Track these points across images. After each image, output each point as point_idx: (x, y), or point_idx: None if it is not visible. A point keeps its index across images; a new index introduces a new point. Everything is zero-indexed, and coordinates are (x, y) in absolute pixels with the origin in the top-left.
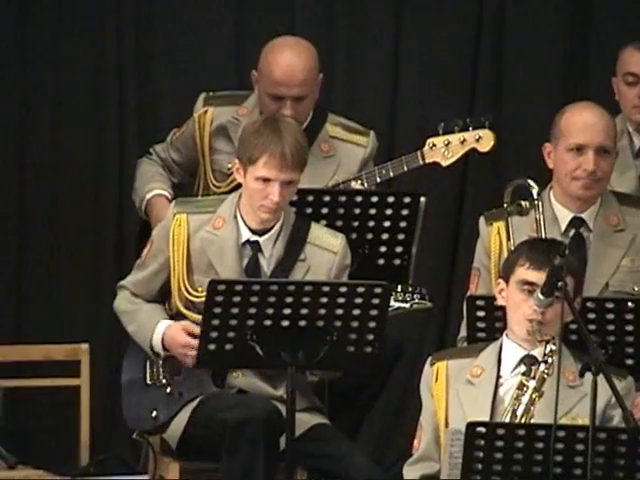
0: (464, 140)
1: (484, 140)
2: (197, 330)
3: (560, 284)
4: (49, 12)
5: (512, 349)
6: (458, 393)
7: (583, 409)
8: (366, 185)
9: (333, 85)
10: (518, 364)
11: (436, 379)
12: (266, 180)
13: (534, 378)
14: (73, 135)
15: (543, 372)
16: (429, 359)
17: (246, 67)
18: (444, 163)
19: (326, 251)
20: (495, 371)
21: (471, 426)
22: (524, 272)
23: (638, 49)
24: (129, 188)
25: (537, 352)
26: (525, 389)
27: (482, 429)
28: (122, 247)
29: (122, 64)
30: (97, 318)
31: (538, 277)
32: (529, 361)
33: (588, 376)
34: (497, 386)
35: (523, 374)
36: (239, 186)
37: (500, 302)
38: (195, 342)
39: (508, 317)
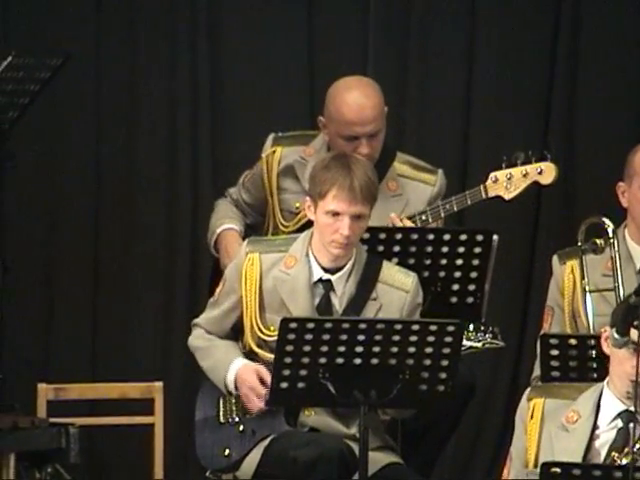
0: (526, 173)
1: (546, 173)
2: (268, 378)
3: (637, 323)
4: (125, 50)
5: (611, 400)
6: (551, 436)
7: None
8: (431, 220)
9: (405, 124)
10: (615, 418)
11: (531, 416)
12: (336, 214)
13: (626, 455)
14: (148, 172)
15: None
16: (527, 392)
17: (317, 107)
18: (507, 197)
19: (398, 290)
20: (592, 420)
21: (545, 466)
22: (633, 331)
23: None
24: (201, 228)
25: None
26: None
27: (557, 469)
28: (195, 284)
29: (195, 106)
30: (171, 356)
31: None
32: (627, 417)
33: None
34: (592, 437)
35: (614, 450)
36: (307, 225)
37: (605, 350)
38: (261, 389)
39: (610, 368)
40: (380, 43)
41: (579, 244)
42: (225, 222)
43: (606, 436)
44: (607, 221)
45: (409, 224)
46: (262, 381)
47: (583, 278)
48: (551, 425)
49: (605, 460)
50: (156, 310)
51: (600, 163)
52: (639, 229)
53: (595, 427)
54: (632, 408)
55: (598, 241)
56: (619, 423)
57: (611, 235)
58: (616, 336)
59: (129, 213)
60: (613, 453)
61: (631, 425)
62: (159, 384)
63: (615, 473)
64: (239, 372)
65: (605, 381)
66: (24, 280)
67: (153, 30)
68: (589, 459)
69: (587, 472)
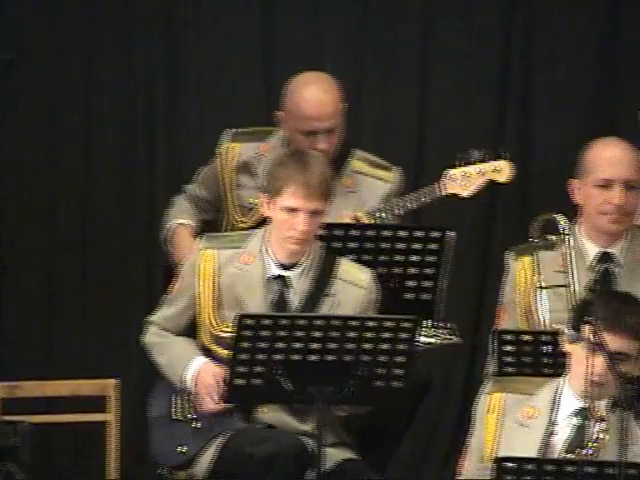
0: (482, 171)
1: (502, 171)
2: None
3: (589, 318)
4: (81, 46)
5: (569, 397)
6: (509, 432)
7: None
8: (386, 217)
9: (361, 121)
10: (572, 415)
11: (489, 410)
12: (293, 210)
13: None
14: (103, 170)
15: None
16: (486, 386)
17: (274, 102)
18: (463, 194)
19: (354, 286)
20: (549, 416)
21: (499, 461)
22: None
23: None
24: (156, 225)
25: (598, 404)
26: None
27: (510, 464)
28: (150, 283)
29: (151, 103)
30: (126, 354)
31: (609, 340)
32: (584, 415)
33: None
34: (549, 433)
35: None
36: (263, 221)
37: (566, 348)
38: (218, 392)
39: (572, 366)
40: (336, 41)
41: (533, 241)
42: (178, 218)
43: (563, 432)
44: (560, 218)
45: (366, 220)
46: (219, 384)
47: (536, 274)
48: (509, 420)
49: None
50: (110, 307)
51: (554, 160)
52: (592, 226)
53: (552, 423)
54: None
55: (551, 237)
56: (575, 420)
57: (564, 232)
58: (570, 332)
59: (84, 211)
60: (569, 455)
61: (587, 422)
62: (114, 381)
63: (566, 468)
64: (200, 370)
65: (564, 377)
66: None
67: (109, 28)
68: (546, 455)
69: (540, 467)
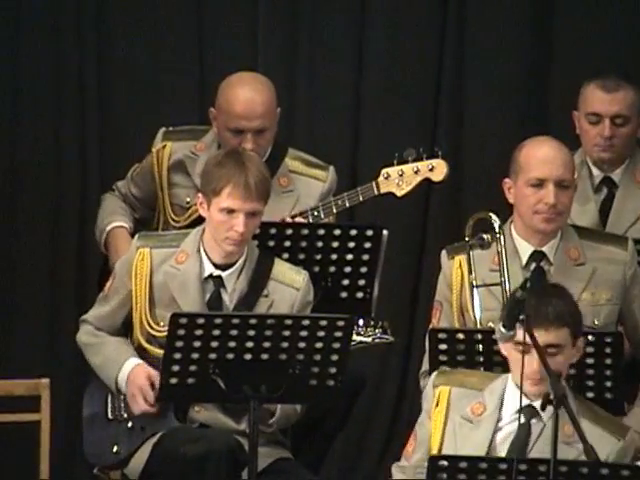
0: (417, 170)
1: (437, 170)
2: (157, 382)
3: (522, 317)
4: (9, 43)
5: (514, 395)
6: (455, 427)
7: None
8: (323, 216)
9: (295, 120)
10: (517, 412)
11: (437, 404)
12: (230, 211)
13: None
14: (32, 166)
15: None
16: (432, 379)
17: (208, 101)
18: (399, 193)
19: (289, 287)
20: (496, 414)
21: (433, 460)
22: (518, 332)
23: (599, 87)
24: (89, 223)
25: (538, 403)
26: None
27: (444, 462)
28: (83, 281)
29: (83, 98)
30: (57, 353)
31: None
32: (529, 413)
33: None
34: (496, 430)
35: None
36: (198, 220)
37: (503, 352)
38: (150, 393)
39: (510, 365)
40: (268, 41)
41: (467, 239)
42: (114, 219)
43: (508, 429)
44: (494, 216)
45: (299, 220)
46: (152, 385)
47: (470, 273)
48: (456, 415)
49: (507, 455)
50: (43, 306)
51: (487, 159)
52: (525, 225)
53: (499, 419)
54: (535, 404)
55: (485, 236)
56: (521, 418)
57: (498, 230)
58: (502, 330)
59: (14, 208)
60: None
61: (533, 421)
62: (45, 381)
63: (500, 465)
64: (132, 372)
65: (510, 375)
66: None
67: (39, 24)
68: (492, 452)
69: (473, 464)
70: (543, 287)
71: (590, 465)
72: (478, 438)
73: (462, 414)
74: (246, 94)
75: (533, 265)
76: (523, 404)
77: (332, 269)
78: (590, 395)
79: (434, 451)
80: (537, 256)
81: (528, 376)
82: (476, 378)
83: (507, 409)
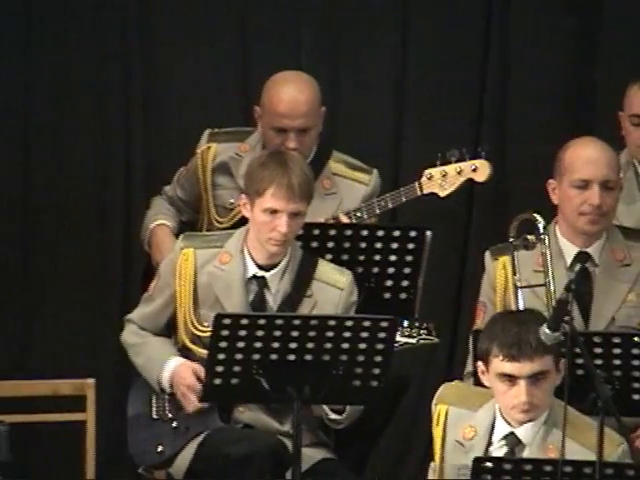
0: (461, 171)
1: (480, 170)
2: (203, 375)
3: (567, 318)
4: (55, 46)
5: (500, 421)
6: (450, 449)
7: None
8: (366, 217)
9: (338, 122)
10: (503, 438)
11: (437, 423)
12: (274, 212)
13: None
14: (79, 169)
15: None
16: (437, 395)
17: (252, 103)
18: (442, 194)
19: (333, 287)
20: (486, 438)
21: (477, 461)
22: (499, 364)
23: None
24: (134, 225)
25: (521, 431)
26: None
27: (489, 464)
28: (128, 281)
29: (128, 101)
30: (103, 353)
31: (514, 369)
32: (512, 441)
33: (568, 453)
34: (486, 454)
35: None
36: (241, 221)
37: (485, 383)
38: (199, 387)
39: (495, 399)
40: (313, 42)
41: (511, 240)
42: (158, 218)
43: (497, 455)
44: (538, 217)
45: (345, 220)
46: (199, 379)
47: (515, 274)
48: (451, 436)
49: None
50: (88, 306)
51: (532, 160)
52: (570, 226)
53: (489, 444)
54: (517, 431)
55: (529, 237)
56: (505, 446)
57: (542, 231)
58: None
59: (61, 210)
60: None
61: (516, 450)
62: (91, 381)
63: (544, 467)
64: (175, 371)
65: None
66: None
67: (84, 26)
68: None
69: (517, 466)
70: (511, 316)
71: (636, 466)
72: (468, 463)
73: (456, 437)
74: (289, 93)
75: (578, 266)
76: (506, 431)
77: (375, 270)
78: (636, 397)
79: (437, 468)
80: (582, 257)
81: (516, 405)
82: (475, 396)
83: (497, 433)
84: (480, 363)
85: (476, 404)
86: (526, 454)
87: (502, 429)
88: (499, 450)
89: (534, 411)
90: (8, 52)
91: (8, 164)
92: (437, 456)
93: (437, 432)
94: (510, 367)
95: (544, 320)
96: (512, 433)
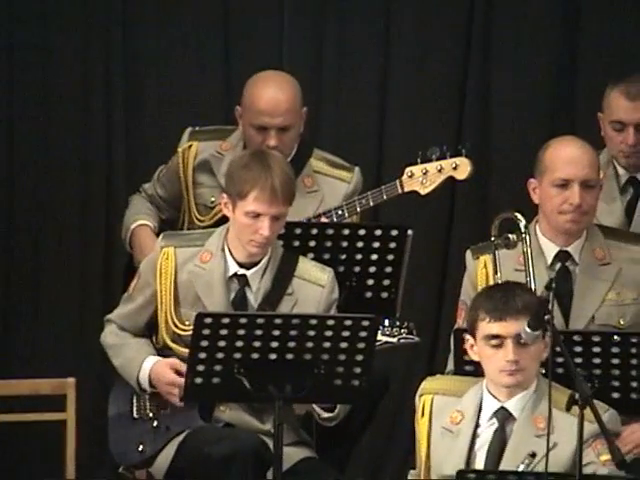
0: (441, 168)
1: (461, 168)
2: (184, 368)
3: (547, 317)
4: (36, 42)
5: (489, 399)
6: (438, 437)
7: (551, 460)
8: (347, 215)
9: (320, 121)
10: (492, 416)
11: (422, 414)
12: (256, 215)
13: None
14: (60, 168)
15: None
16: (420, 387)
17: (234, 101)
18: (422, 192)
19: (314, 285)
20: (474, 421)
21: (461, 474)
22: (486, 326)
23: (623, 94)
24: (115, 223)
25: (511, 403)
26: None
27: (472, 475)
28: (109, 281)
29: (109, 98)
30: (83, 352)
31: (501, 328)
32: (502, 416)
33: (557, 423)
34: (474, 437)
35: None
36: (223, 219)
37: (473, 357)
38: (181, 380)
39: (484, 369)
40: (295, 40)
41: (492, 239)
42: (139, 218)
43: (485, 436)
44: (519, 216)
45: (323, 219)
46: (179, 373)
47: (496, 273)
48: (437, 424)
49: (485, 462)
50: (69, 306)
51: (513, 159)
52: (551, 225)
53: (477, 426)
54: (506, 405)
55: (510, 236)
56: (495, 422)
57: (523, 230)
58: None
59: (42, 209)
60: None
61: (506, 424)
62: (71, 380)
63: (528, 478)
64: (153, 370)
65: (484, 381)
66: None
67: (67, 24)
68: (471, 459)
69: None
70: (501, 284)
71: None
72: (458, 447)
73: (443, 424)
74: (270, 91)
75: (558, 265)
76: (495, 407)
77: (357, 269)
78: (616, 396)
79: (423, 460)
80: (562, 256)
81: (503, 368)
82: (459, 383)
83: (484, 414)
84: (468, 337)
85: (460, 390)
86: (515, 427)
87: (491, 406)
88: (488, 430)
89: (521, 375)
90: None
91: None
92: (423, 447)
93: (422, 423)
94: (497, 327)
95: (527, 289)
96: (502, 407)
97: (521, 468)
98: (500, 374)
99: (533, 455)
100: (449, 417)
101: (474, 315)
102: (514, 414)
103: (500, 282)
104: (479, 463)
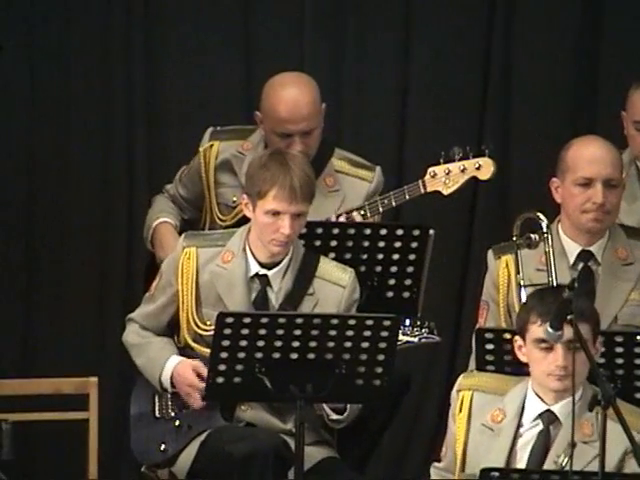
0: (464, 168)
1: (484, 168)
2: (205, 372)
3: (570, 317)
4: (56, 52)
5: (534, 401)
6: (477, 434)
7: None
8: (369, 215)
9: (342, 120)
10: (537, 418)
11: (460, 409)
12: (276, 213)
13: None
14: (82, 169)
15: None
16: (458, 382)
17: (255, 101)
18: (445, 192)
19: (335, 285)
20: (516, 421)
21: (484, 472)
22: (537, 330)
23: None
24: (137, 224)
25: (558, 407)
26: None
27: (495, 474)
28: (130, 280)
29: (130, 100)
30: (106, 351)
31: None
32: (548, 418)
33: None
34: (516, 437)
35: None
36: (244, 219)
37: (521, 358)
38: (201, 384)
39: (531, 371)
40: (316, 40)
41: (514, 239)
42: (161, 216)
43: (528, 436)
44: (541, 216)
45: (358, 218)
46: (200, 376)
47: (518, 273)
48: (477, 422)
49: (528, 462)
50: (91, 305)
51: (535, 159)
52: (572, 224)
53: (519, 426)
54: (553, 408)
55: (532, 236)
56: (540, 424)
57: (545, 230)
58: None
59: (64, 209)
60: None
61: (552, 428)
62: (94, 379)
63: (552, 477)
64: (176, 370)
65: (530, 381)
66: None
67: (86, 24)
68: (512, 459)
69: (525, 477)
70: (554, 287)
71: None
72: (499, 446)
73: (483, 422)
74: (290, 97)
75: (581, 265)
76: (541, 410)
77: (378, 269)
78: (639, 396)
79: (459, 456)
80: (585, 256)
81: (552, 372)
82: (500, 382)
83: (527, 415)
84: (517, 338)
85: (501, 388)
86: (562, 432)
87: (536, 407)
88: (531, 430)
89: (570, 380)
90: (11, 59)
91: (12, 165)
92: (459, 444)
93: (460, 418)
94: None
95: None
96: (548, 410)
97: (564, 460)
98: (548, 377)
99: (574, 445)
100: (490, 415)
101: (525, 317)
102: (560, 418)
103: (555, 285)
104: (519, 463)
